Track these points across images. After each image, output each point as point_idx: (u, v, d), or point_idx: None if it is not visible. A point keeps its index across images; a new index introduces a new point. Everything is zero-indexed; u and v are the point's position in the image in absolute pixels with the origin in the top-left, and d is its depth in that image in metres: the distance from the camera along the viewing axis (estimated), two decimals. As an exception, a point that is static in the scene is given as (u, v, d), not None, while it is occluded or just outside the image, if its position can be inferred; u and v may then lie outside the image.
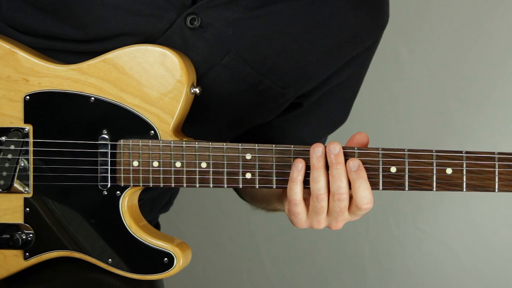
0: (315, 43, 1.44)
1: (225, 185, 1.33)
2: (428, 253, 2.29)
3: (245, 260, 2.42)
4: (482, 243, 2.25)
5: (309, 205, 1.31)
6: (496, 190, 1.29)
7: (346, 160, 1.29)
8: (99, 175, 1.35)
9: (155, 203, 1.63)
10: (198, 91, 1.36)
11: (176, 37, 1.38)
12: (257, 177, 1.32)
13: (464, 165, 1.28)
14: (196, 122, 1.44)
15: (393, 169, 1.29)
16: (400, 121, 2.26)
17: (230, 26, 1.39)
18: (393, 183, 1.30)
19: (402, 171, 1.29)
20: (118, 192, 1.36)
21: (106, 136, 1.35)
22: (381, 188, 1.30)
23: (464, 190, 1.29)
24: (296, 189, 1.30)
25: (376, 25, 1.50)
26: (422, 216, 2.29)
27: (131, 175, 1.35)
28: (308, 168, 1.30)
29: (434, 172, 1.29)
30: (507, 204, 2.21)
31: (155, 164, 1.34)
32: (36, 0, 1.40)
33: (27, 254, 1.38)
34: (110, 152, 1.35)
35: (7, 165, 1.36)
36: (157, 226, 1.70)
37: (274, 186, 1.32)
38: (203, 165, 1.33)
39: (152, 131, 1.34)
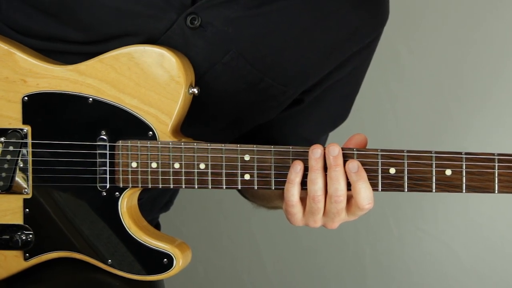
0: (315, 41, 1.44)
1: (224, 186, 1.33)
2: (428, 253, 2.29)
3: (245, 260, 2.42)
4: (482, 243, 2.25)
5: (306, 206, 1.31)
6: (496, 192, 1.29)
7: (345, 161, 1.29)
8: (98, 176, 1.35)
9: (155, 202, 1.63)
10: (196, 92, 1.36)
11: (176, 37, 1.38)
12: (256, 178, 1.32)
13: (464, 167, 1.28)
14: (198, 122, 1.44)
15: (392, 170, 1.29)
16: (399, 121, 2.26)
17: (230, 25, 1.39)
18: (392, 184, 1.29)
19: (401, 172, 1.29)
20: (117, 193, 1.36)
21: (105, 137, 1.35)
22: (380, 190, 1.30)
23: (464, 191, 1.29)
24: (293, 191, 1.30)
25: (377, 22, 1.50)
26: (422, 216, 2.28)
27: (129, 176, 1.34)
28: (306, 169, 1.30)
29: (434, 174, 1.28)
30: (507, 204, 2.20)
31: (154, 165, 1.34)
32: (37, 1, 1.40)
33: (27, 254, 1.38)
34: (109, 153, 1.35)
35: (6, 166, 1.36)
36: (157, 226, 1.70)
37: (273, 187, 1.32)
38: (202, 166, 1.33)
39: (151, 132, 1.34)
